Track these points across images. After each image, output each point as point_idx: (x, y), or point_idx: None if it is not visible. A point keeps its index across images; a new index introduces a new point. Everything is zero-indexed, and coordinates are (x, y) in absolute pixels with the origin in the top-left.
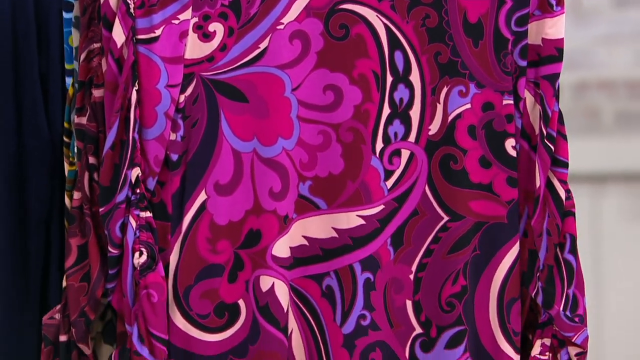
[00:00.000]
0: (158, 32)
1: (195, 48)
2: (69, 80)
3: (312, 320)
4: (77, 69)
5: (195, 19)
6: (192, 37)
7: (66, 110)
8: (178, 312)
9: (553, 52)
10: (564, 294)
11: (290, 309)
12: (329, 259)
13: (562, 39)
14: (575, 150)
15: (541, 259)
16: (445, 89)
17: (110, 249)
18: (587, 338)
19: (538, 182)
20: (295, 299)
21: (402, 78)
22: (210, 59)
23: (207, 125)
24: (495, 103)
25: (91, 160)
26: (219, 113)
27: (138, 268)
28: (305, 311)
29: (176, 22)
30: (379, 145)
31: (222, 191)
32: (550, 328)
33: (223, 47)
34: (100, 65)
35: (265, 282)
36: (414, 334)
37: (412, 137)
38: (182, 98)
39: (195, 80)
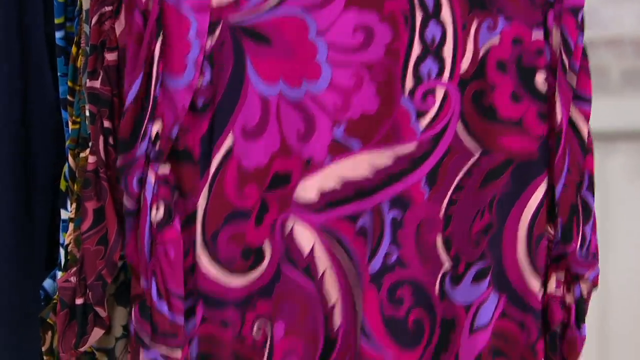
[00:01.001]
0: None
1: None
2: (59, 34)
3: (344, 261)
4: (87, 32)
5: None
6: None
7: (70, 69)
8: (205, 256)
9: None
10: (580, 231)
11: (320, 251)
12: (363, 198)
13: None
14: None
15: (557, 194)
16: (475, 24)
17: (125, 202)
18: (598, 275)
19: (559, 116)
20: (328, 241)
21: (432, 15)
22: (235, 3)
23: (232, 70)
24: (524, 37)
25: (106, 124)
26: (244, 57)
27: (155, 224)
28: (338, 252)
29: None
30: (409, 84)
31: (249, 135)
32: (564, 263)
33: None
34: (112, 28)
35: (287, 225)
36: (444, 269)
37: (445, 76)
38: (209, 44)
39: (221, 26)
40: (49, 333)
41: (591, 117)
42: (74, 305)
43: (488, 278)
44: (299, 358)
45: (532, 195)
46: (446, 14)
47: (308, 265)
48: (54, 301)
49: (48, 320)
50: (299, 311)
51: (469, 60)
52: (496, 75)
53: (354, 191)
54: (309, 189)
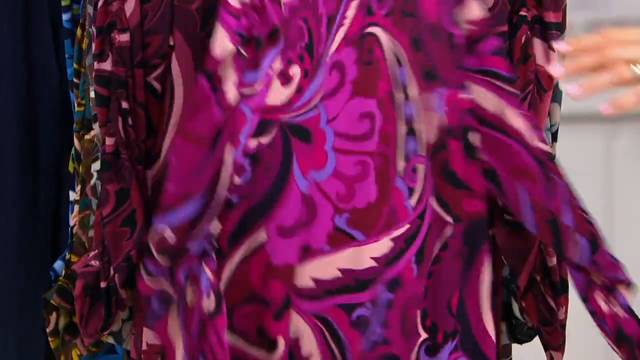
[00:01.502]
0: (258, 87)
1: (277, 93)
2: (65, 17)
3: (335, 349)
4: (91, 13)
5: (281, 65)
6: (275, 83)
7: (75, 51)
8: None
9: None
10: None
11: (309, 337)
12: (363, 289)
13: None
14: None
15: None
16: (431, 96)
17: (167, 288)
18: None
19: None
20: (321, 326)
21: (407, 93)
22: (288, 102)
23: (279, 170)
24: (457, 100)
25: (124, 105)
26: (291, 158)
27: (207, 312)
28: (330, 339)
29: (271, 72)
30: (401, 164)
31: (284, 233)
32: (594, 281)
33: (299, 90)
34: (122, 9)
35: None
36: (420, 340)
37: (422, 151)
38: (254, 143)
39: (275, 126)
40: (54, 314)
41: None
42: (97, 288)
43: (455, 342)
44: None
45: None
46: (413, 89)
47: (291, 354)
48: (59, 283)
49: (52, 301)
50: None
51: (434, 131)
52: (451, 142)
53: (354, 282)
54: (305, 276)
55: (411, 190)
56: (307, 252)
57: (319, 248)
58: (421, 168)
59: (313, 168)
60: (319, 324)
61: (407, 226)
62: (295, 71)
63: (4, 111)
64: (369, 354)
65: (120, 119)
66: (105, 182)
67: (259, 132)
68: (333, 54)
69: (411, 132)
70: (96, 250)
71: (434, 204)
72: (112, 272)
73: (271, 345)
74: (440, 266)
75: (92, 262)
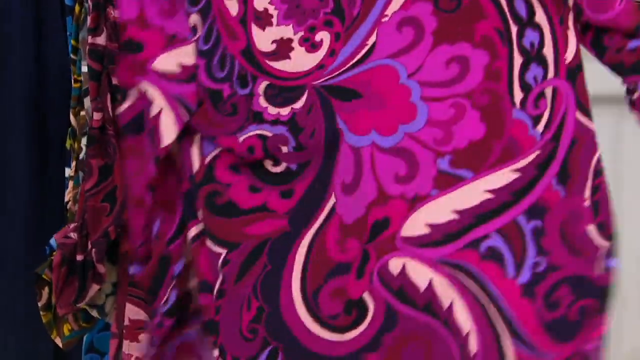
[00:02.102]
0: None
1: (303, 60)
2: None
3: (472, 287)
4: None
5: (301, 33)
6: (299, 51)
7: (73, 28)
8: (306, 314)
9: None
10: None
11: (440, 284)
12: (485, 222)
13: None
14: (598, 71)
15: None
16: (571, 14)
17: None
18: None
19: None
20: (448, 272)
21: (527, 23)
22: (320, 66)
23: (326, 131)
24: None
25: (114, 81)
26: (335, 116)
27: None
28: (463, 280)
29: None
30: (518, 96)
31: (348, 191)
32: None
33: (332, 53)
34: None
35: (396, 266)
36: (602, 250)
37: (551, 74)
38: (286, 111)
39: (307, 91)
40: (46, 289)
41: (607, 80)
42: (74, 261)
43: None
44: None
45: None
46: (540, 17)
47: (428, 303)
48: (50, 258)
49: (43, 276)
50: (424, 351)
51: (573, 49)
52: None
53: (474, 218)
54: (416, 225)
55: (537, 118)
56: (417, 201)
57: (426, 194)
58: (549, 92)
59: (403, 122)
60: (447, 269)
61: (537, 152)
62: (324, 36)
63: (14, 92)
64: (537, 284)
65: (109, 95)
66: (89, 157)
67: (288, 99)
68: (397, 12)
69: (532, 60)
70: (76, 223)
71: (580, 117)
72: (89, 246)
73: (361, 310)
74: (605, 179)
75: (71, 235)
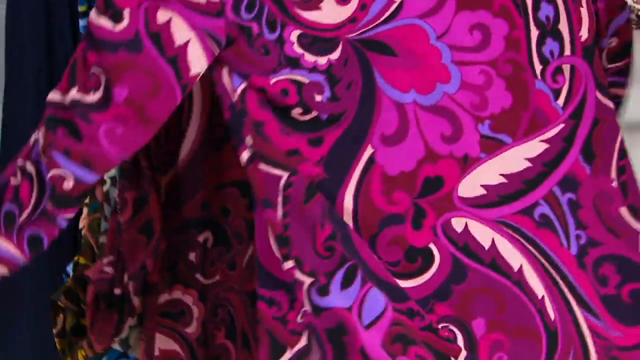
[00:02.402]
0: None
1: (334, 13)
2: (82, 22)
3: (535, 252)
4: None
5: None
6: (329, 2)
7: None
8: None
9: None
10: None
11: (504, 245)
12: (532, 189)
13: None
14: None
15: None
16: None
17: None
18: None
19: None
20: (510, 235)
21: None
22: (352, 20)
23: (363, 83)
24: None
25: None
26: (372, 70)
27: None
28: (527, 244)
29: None
30: (538, 67)
31: (390, 142)
32: None
33: (363, 7)
34: None
35: (459, 224)
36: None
37: (567, 51)
38: (323, 60)
39: (341, 43)
40: (61, 316)
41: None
42: (111, 295)
43: None
44: (511, 355)
45: None
46: None
47: (493, 260)
48: (67, 285)
49: (59, 303)
50: (498, 307)
51: (587, 27)
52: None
53: (522, 184)
54: (472, 186)
55: (556, 92)
56: (468, 162)
57: (476, 156)
58: (567, 68)
59: (440, 82)
60: (506, 229)
61: (562, 125)
62: None
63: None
64: (584, 257)
65: None
66: (123, 190)
67: (323, 50)
68: None
69: (547, 33)
70: (110, 257)
71: (601, 97)
72: (126, 279)
73: (427, 259)
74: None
75: (106, 269)
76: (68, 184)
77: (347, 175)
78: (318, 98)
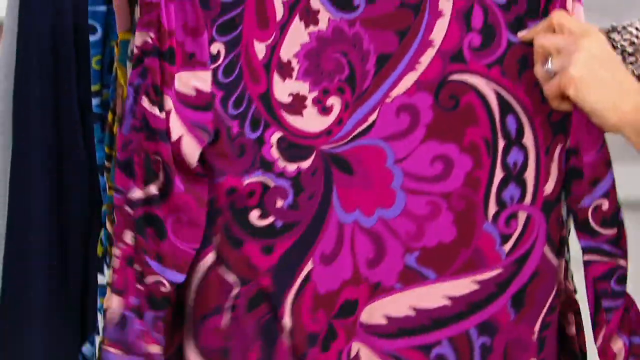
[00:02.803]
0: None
1: (314, 121)
2: (95, 101)
3: None
4: (112, 94)
5: (315, 93)
6: (311, 111)
7: (106, 136)
8: None
9: None
10: None
11: None
12: (439, 327)
13: None
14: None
15: None
16: (559, 147)
17: None
18: None
19: None
20: None
21: (515, 141)
22: (328, 132)
23: (322, 197)
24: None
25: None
26: (332, 186)
27: None
28: None
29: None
30: (492, 209)
31: (325, 261)
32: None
33: (339, 121)
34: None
35: (354, 350)
36: None
37: (527, 200)
38: (293, 167)
39: (315, 153)
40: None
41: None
42: None
43: None
44: None
45: None
46: (529, 140)
47: None
48: None
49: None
50: None
51: (554, 182)
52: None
53: (429, 320)
54: (376, 313)
55: (506, 237)
56: (378, 290)
57: (390, 286)
58: (522, 215)
59: (380, 206)
60: None
61: (500, 270)
62: (334, 102)
63: (37, 194)
64: None
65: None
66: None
67: (297, 157)
68: (400, 96)
69: (511, 178)
70: None
71: (547, 252)
72: None
73: None
74: (556, 315)
75: None
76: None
77: (288, 289)
78: (279, 204)
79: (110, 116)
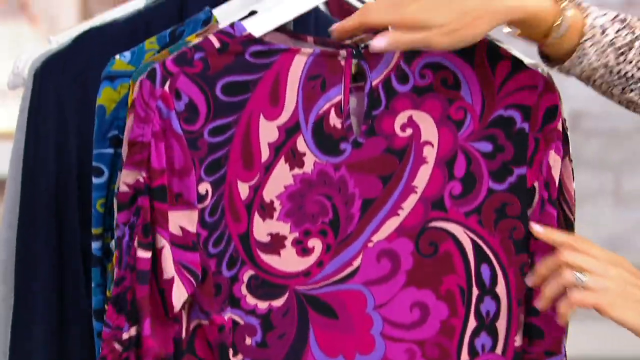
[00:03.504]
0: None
1: (292, 262)
2: (95, 245)
3: None
4: (114, 241)
5: (296, 234)
6: (290, 251)
7: (109, 279)
8: None
9: None
10: None
11: None
12: None
13: None
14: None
15: None
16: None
17: None
18: None
19: None
20: None
21: (488, 291)
22: (306, 273)
23: (294, 339)
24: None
25: None
26: (308, 327)
27: None
28: None
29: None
30: (465, 358)
31: None
32: None
33: (320, 263)
34: None
35: None
36: None
37: (499, 349)
38: (264, 305)
39: (288, 293)
40: None
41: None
42: None
43: None
44: None
45: None
46: (501, 290)
47: None
48: None
49: None
50: None
51: (521, 337)
52: None
53: None
54: None
55: None
56: None
57: None
58: None
59: (359, 352)
60: None
61: None
62: (316, 244)
63: (38, 347)
64: None
65: None
66: None
67: (269, 295)
68: (381, 241)
69: (484, 328)
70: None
71: None
72: None
73: None
74: None
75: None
76: None
77: None
78: (247, 341)
79: (109, 266)
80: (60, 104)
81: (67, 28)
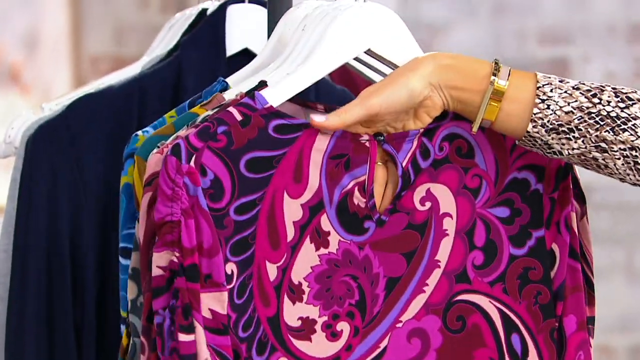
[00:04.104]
0: None
1: (322, 347)
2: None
3: None
4: (137, 324)
5: (325, 318)
6: (320, 336)
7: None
8: None
9: None
10: None
11: None
12: None
13: None
14: None
15: None
16: None
17: None
18: None
19: None
20: None
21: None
22: (336, 358)
23: None
24: None
25: None
26: None
27: None
28: None
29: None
30: None
31: None
32: None
33: (348, 347)
34: None
35: None
36: None
37: None
38: None
39: None
40: None
41: None
42: None
43: None
44: None
45: None
46: (533, 357)
47: None
48: None
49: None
50: None
51: None
52: None
53: None
54: None
55: None
56: None
57: None
58: None
59: None
60: None
61: None
62: (344, 327)
63: None
64: None
65: None
66: None
67: None
68: (410, 320)
69: None
70: None
71: None
72: None
73: None
74: None
75: None
76: None
77: None
78: None
79: (124, 340)
80: (54, 172)
81: (59, 96)
